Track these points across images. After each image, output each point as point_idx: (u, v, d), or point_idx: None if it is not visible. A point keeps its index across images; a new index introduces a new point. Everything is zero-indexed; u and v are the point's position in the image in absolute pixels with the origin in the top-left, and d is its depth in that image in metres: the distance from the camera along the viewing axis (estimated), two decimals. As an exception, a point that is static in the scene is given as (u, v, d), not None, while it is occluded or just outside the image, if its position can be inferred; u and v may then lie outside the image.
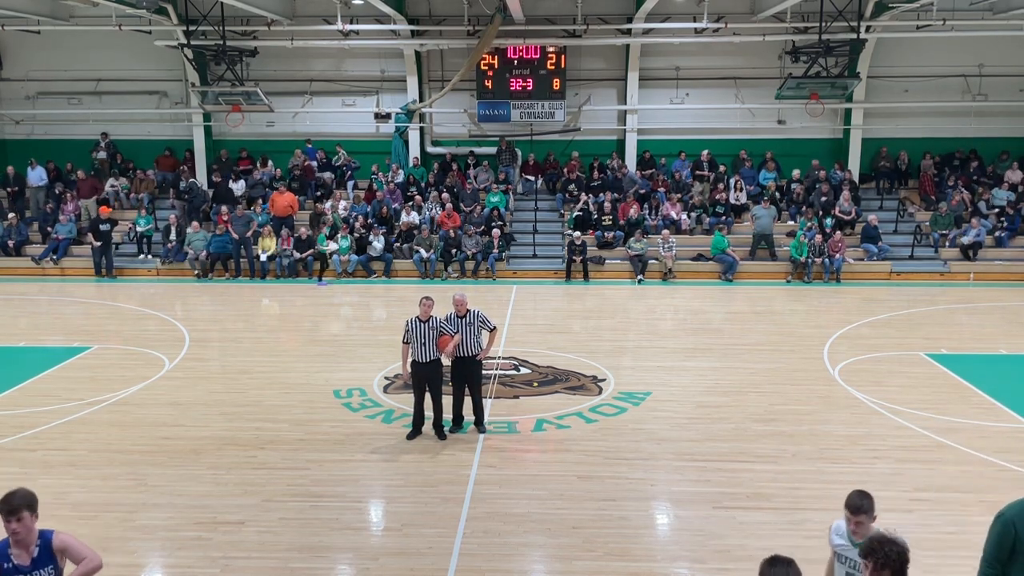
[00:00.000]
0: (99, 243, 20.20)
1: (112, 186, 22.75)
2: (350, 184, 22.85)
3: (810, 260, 19.62)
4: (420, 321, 9.69)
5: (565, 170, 22.67)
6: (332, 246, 20.20)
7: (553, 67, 21.98)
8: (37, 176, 22.59)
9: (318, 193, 22.43)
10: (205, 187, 22.78)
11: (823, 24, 18.97)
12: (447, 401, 10.16)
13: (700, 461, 9.41)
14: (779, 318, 16.80)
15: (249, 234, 20.38)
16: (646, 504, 8.47)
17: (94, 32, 21.73)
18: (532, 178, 23.19)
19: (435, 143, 23.85)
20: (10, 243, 21.07)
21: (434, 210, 21.51)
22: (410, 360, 9.84)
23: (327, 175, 22.93)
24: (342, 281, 19.95)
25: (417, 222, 20.89)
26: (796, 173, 22.19)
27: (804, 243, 19.75)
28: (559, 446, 9.92)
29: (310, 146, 23.30)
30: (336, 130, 23.47)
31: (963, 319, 16.54)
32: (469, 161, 23.29)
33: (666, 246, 19.95)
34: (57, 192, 22.42)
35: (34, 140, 23.88)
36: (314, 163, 23.09)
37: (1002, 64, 22.18)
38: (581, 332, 15.52)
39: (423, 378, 9.78)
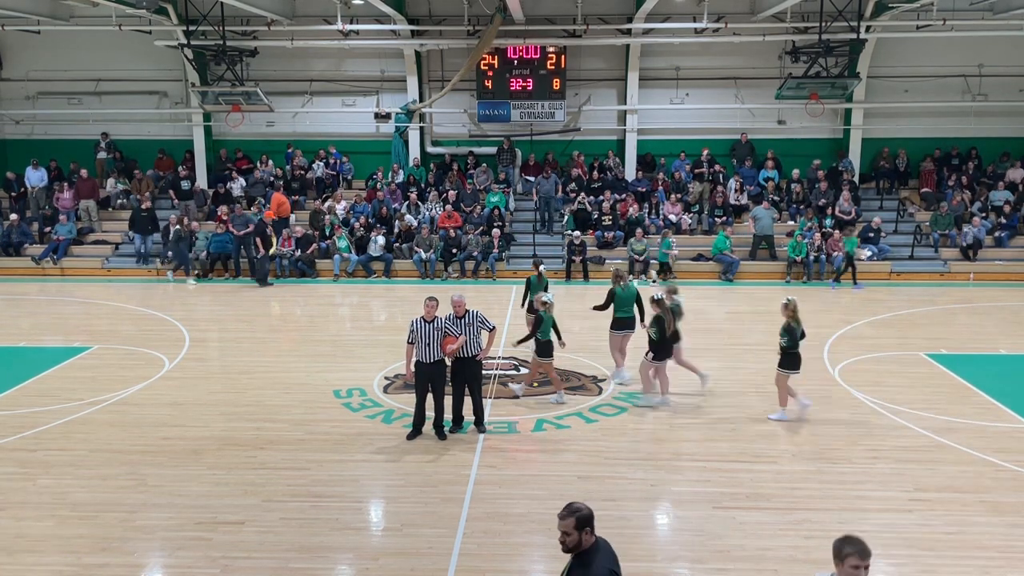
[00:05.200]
0: (265, 251, 19.59)
1: (115, 188, 22.74)
2: (337, 185, 22.70)
3: (819, 256, 19.60)
4: (424, 321, 9.70)
5: (573, 170, 22.60)
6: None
7: (553, 67, 21.97)
8: (38, 177, 22.57)
9: (311, 193, 22.40)
10: (205, 187, 22.81)
11: (823, 24, 18.97)
12: (448, 402, 10.17)
13: (700, 461, 9.42)
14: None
15: (244, 233, 19.93)
16: (646, 504, 8.47)
17: (94, 32, 21.74)
18: (532, 178, 23.18)
19: (435, 143, 23.85)
20: (10, 243, 21.05)
21: (434, 210, 21.49)
22: (414, 360, 9.85)
23: (325, 175, 22.90)
24: (342, 281, 19.95)
25: (415, 224, 20.85)
26: (796, 173, 22.19)
27: (803, 243, 19.75)
28: (559, 446, 9.92)
29: (290, 151, 23.17)
30: (336, 130, 23.47)
31: (963, 319, 16.53)
32: (469, 161, 23.28)
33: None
34: (55, 191, 22.40)
35: (34, 140, 23.86)
36: (288, 167, 23.00)
37: (1002, 64, 22.17)
38: (581, 332, 15.50)
39: (427, 378, 9.79)
